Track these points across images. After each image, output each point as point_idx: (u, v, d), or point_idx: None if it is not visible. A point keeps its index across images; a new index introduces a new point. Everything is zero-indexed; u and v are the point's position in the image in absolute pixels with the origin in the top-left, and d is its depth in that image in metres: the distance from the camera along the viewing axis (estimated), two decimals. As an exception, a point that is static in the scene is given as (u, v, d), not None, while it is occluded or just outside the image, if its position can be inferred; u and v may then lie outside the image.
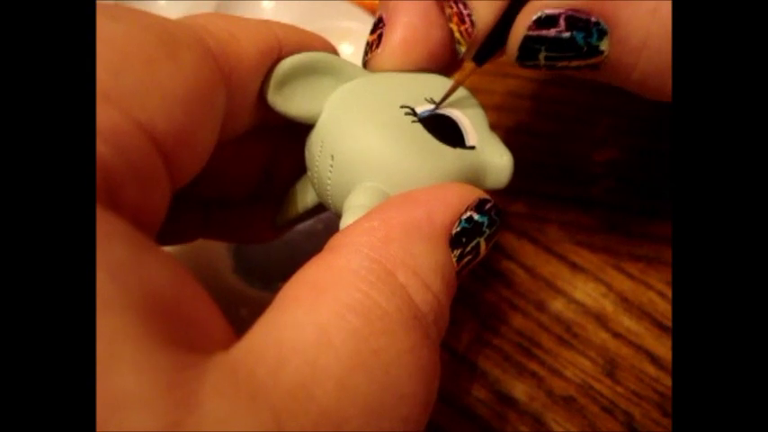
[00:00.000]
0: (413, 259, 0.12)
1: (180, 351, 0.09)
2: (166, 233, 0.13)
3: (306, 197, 0.18)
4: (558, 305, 0.23)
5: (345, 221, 0.14)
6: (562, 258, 0.24)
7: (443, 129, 0.15)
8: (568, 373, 0.22)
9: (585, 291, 0.24)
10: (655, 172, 0.27)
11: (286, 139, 0.18)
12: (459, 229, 0.14)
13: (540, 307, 0.23)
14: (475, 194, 0.14)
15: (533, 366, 0.22)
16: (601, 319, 0.23)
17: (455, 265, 0.13)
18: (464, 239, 0.14)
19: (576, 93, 0.30)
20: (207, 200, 0.19)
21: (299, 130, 0.16)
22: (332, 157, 0.15)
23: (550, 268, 0.24)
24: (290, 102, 0.15)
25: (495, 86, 0.30)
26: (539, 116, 0.29)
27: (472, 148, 0.16)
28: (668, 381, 0.21)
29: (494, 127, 0.17)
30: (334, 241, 0.13)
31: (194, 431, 0.09)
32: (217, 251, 0.24)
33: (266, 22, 0.15)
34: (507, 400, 0.21)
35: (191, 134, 0.13)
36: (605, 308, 0.23)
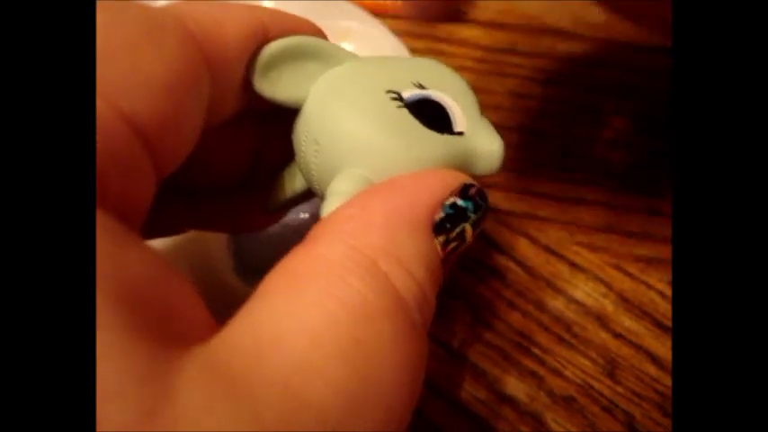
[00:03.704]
0: (394, 247, 0.12)
1: (157, 344, 0.09)
2: (155, 224, 0.13)
3: (294, 182, 0.17)
4: (558, 305, 0.23)
5: (326, 207, 0.14)
6: (562, 258, 0.24)
7: (430, 114, 0.15)
8: (568, 373, 0.22)
9: (585, 291, 0.24)
10: (655, 172, 0.27)
11: (275, 124, 0.17)
12: (442, 215, 0.13)
13: (540, 307, 0.23)
14: (459, 180, 0.14)
15: (533, 366, 0.22)
16: (601, 319, 0.23)
17: (440, 251, 0.13)
18: (448, 225, 0.13)
19: (576, 93, 0.30)
20: (195, 189, 0.18)
21: (288, 115, 0.16)
22: (316, 142, 0.15)
23: (550, 268, 0.24)
24: (276, 86, 0.15)
25: (495, 86, 0.30)
26: (539, 116, 0.29)
27: (460, 134, 0.15)
28: (668, 381, 0.21)
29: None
30: (315, 231, 0.13)
31: (170, 420, 0.09)
32: (217, 251, 0.24)
33: (251, 6, 0.15)
34: (507, 400, 0.21)
35: (175, 121, 0.12)
36: (605, 308, 0.23)
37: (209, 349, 0.10)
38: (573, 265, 0.24)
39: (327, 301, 0.11)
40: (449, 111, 0.15)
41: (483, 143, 0.15)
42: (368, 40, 0.29)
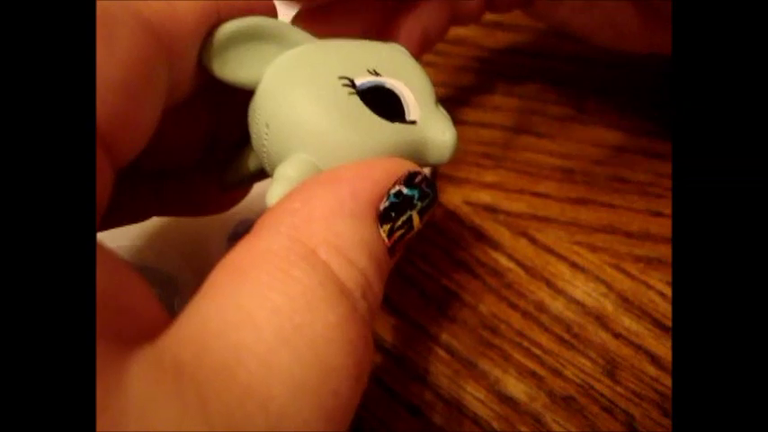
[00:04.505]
0: (335, 237, 0.12)
1: (107, 340, 0.10)
2: (119, 213, 0.13)
3: (249, 162, 0.18)
4: (558, 305, 0.23)
5: (272, 193, 0.14)
6: (562, 258, 0.24)
7: (382, 102, 0.15)
8: (568, 373, 0.22)
9: (585, 291, 0.24)
10: (655, 172, 0.27)
11: (229, 104, 0.17)
12: (387, 204, 0.13)
13: (540, 307, 0.23)
14: (404, 167, 0.14)
15: (533, 366, 0.22)
16: (601, 319, 0.23)
17: (385, 240, 0.13)
18: (393, 214, 0.13)
19: (576, 93, 0.30)
20: (154, 172, 0.18)
21: (243, 94, 0.16)
22: (267, 125, 0.15)
23: (550, 268, 0.24)
24: (231, 68, 0.15)
25: (495, 86, 0.30)
26: (538, 116, 0.29)
27: (413, 122, 0.15)
28: (668, 381, 0.21)
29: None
30: (259, 224, 0.13)
31: (118, 412, 0.09)
32: (217, 251, 0.24)
33: None
34: (507, 400, 0.21)
35: (132, 116, 0.12)
36: (605, 308, 0.23)
37: (157, 345, 0.10)
38: (573, 265, 0.24)
39: (270, 293, 0.11)
40: (402, 99, 0.15)
41: (435, 133, 0.15)
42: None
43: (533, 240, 0.25)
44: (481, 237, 0.25)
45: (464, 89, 0.30)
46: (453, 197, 0.26)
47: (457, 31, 0.32)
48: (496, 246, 0.25)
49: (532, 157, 0.28)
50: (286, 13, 0.18)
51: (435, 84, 0.17)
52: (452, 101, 0.29)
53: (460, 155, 0.27)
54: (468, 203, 0.26)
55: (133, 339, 0.10)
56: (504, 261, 0.24)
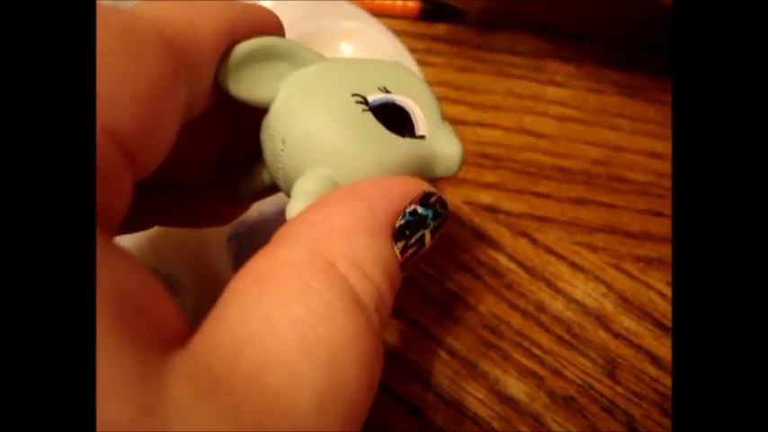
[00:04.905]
0: (354, 251, 0.13)
1: (145, 347, 0.10)
2: (124, 222, 0.13)
3: (260, 178, 0.18)
4: (558, 305, 0.23)
5: (291, 207, 0.14)
6: (562, 258, 0.24)
7: (394, 118, 0.15)
8: (568, 373, 0.22)
9: (585, 291, 0.24)
10: (655, 172, 0.27)
11: (242, 120, 0.18)
12: (402, 222, 0.14)
13: (540, 307, 0.23)
14: (420, 188, 0.15)
15: (533, 366, 0.22)
16: (601, 319, 0.23)
17: (399, 256, 0.14)
18: (407, 232, 0.14)
19: (576, 93, 0.30)
20: (165, 185, 0.19)
21: (255, 110, 0.16)
22: (283, 142, 0.15)
23: (550, 268, 0.24)
24: (245, 86, 0.16)
25: (495, 86, 0.30)
26: (539, 116, 0.29)
27: (422, 137, 0.16)
28: (668, 381, 0.21)
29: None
30: (280, 234, 0.13)
31: (164, 417, 0.09)
32: (217, 251, 0.24)
33: (220, 3, 0.15)
34: (507, 400, 0.21)
35: (155, 130, 0.13)
36: (605, 308, 0.23)
37: (190, 351, 0.11)
38: (573, 265, 0.24)
39: (291, 304, 0.12)
40: (411, 115, 0.16)
41: (443, 147, 0.16)
42: (368, 40, 0.29)
43: (533, 240, 0.25)
44: (481, 237, 0.25)
45: (464, 89, 0.30)
46: (453, 197, 0.26)
47: (457, 32, 0.32)
48: (497, 246, 0.25)
49: (532, 157, 0.28)
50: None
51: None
52: (452, 101, 0.29)
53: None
54: (469, 203, 0.26)
55: (166, 344, 0.11)
56: (504, 261, 0.24)
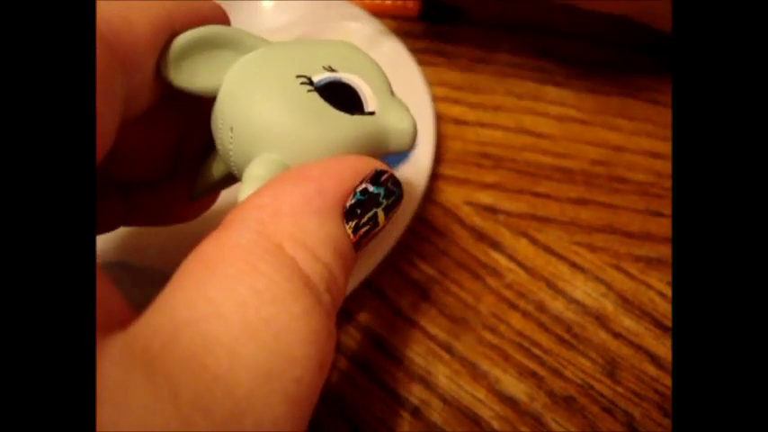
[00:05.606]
0: (301, 232, 0.13)
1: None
2: None
3: (216, 169, 0.18)
4: (558, 305, 0.23)
5: (243, 192, 0.14)
6: (562, 258, 0.24)
7: (341, 96, 0.15)
8: (568, 373, 0.22)
9: (585, 291, 0.24)
10: (655, 172, 0.27)
11: (194, 113, 0.18)
12: (353, 201, 0.14)
13: (540, 307, 0.23)
14: (370, 166, 0.15)
15: (533, 366, 0.22)
16: (601, 319, 0.23)
17: (351, 236, 0.14)
18: (359, 211, 0.14)
19: (576, 93, 0.30)
20: (123, 184, 0.19)
21: (206, 103, 0.16)
22: (231, 129, 0.15)
23: (550, 268, 0.24)
24: (190, 77, 0.16)
25: (495, 86, 0.30)
26: (539, 116, 0.29)
27: (372, 113, 0.16)
28: (668, 381, 0.21)
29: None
30: (228, 219, 0.13)
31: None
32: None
33: None
34: (507, 400, 0.21)
35: None
36: (605, 308, 0.23)
37: (128, 333, 0.11)
38: (573, 265, 0.24)
39: (237, 286, 0.12)
40: (359, 92, 0.16)
41: (394, 121, 0.16)
42: (368, 40, 0.29)
43: (533, 240, 0.25)
44: (481, 237, 0.25)
45: (464, 89, 0.30)
46: (453, 197, 0.26)
47: (457, 32, 0.32)
48: (497, 246, 0.25)
49: (532, 157, 0.28)
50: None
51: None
52: (452, 101, 0.29)
53: (460, 155, 0.27)
54: (469, 203, 0.26)
55: (102, 326, 0.11)
56: (504, 261, 0.24)
